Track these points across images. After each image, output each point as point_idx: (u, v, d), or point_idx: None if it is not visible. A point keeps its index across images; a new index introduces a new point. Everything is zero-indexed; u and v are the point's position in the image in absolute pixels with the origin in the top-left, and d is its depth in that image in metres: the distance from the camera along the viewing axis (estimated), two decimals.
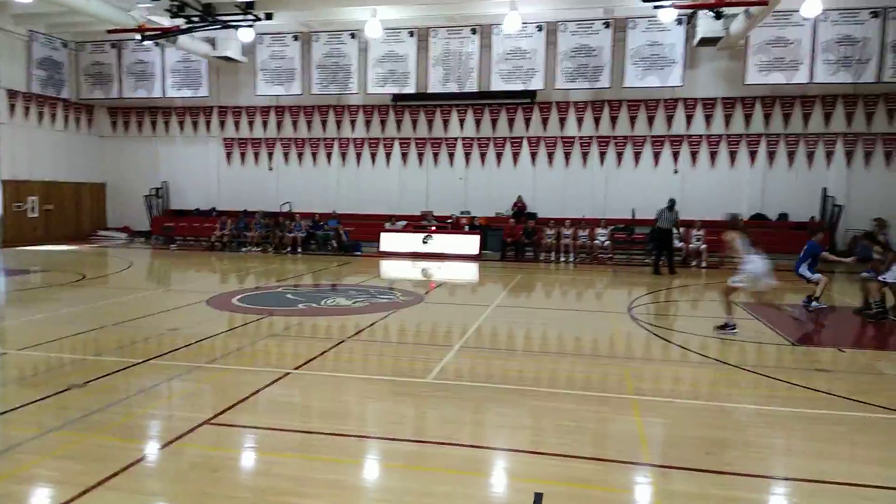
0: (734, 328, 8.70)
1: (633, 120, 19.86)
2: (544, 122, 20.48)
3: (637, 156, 19.93)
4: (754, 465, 4.52)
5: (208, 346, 7.74)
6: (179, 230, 22.08)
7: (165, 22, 17.58)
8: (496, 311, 10.47)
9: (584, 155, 20.31)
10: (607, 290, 13.97)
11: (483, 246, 18.82)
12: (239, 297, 11.37)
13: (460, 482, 4.18)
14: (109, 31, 18.20)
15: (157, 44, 19.09)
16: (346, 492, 4.03)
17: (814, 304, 10.47)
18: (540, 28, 19.17)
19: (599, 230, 18.57)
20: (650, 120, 19.76)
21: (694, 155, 19.59)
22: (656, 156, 19.82)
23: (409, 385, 6.28)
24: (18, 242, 20.31)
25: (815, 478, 4.29)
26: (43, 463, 4.29)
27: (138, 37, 17.82)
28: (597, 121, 20.12)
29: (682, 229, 17.35)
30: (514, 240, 18.69)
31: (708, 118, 19.42)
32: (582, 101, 20.10)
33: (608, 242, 18.43)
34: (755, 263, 8.57)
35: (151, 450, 4.62)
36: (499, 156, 20.94)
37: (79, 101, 23.22)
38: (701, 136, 19.50)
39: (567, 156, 20.42)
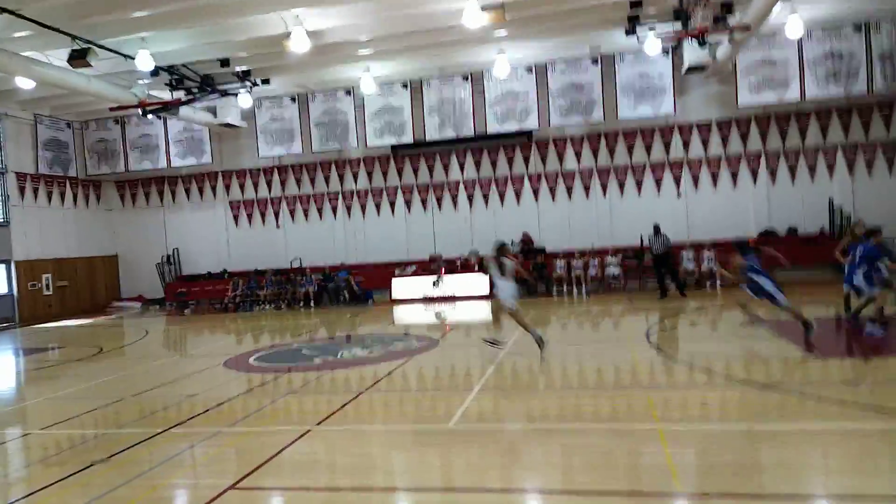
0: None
1: (630, 149, 20.06)
2: (543, 158, 20.73)
3: (639, 184, 20.06)
4: (790, 486, 4.42)
5: (228, 409, 7.72)
6: (193, 294, 22.23)
7: (165, 95, 18.10)
8: (514, 348, 10.41)
9: (586, 187, 20.46)
10: (623, 317, 13.88)
11: (494, 285, 18.78)
12: (255, 356, 11.37)
13: None
14: (112, 109, 18.75)
15: (159, 117, 19.63)
16: None
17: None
18: (530, 70, 19.60)
19: (609, 258, 18.57)
20: (648, 148, 19.96)
21: (696, 178, 19.69)
22: (658, 182, 19.94)
23: (432, 433, 6.22)
24: (35, 320, 20.49)
25: (855, 492, 4.19)
26: None
27: (140, 112, 18.34)
28: (595, 153, 20.33)
29: (689, 252, 17.36)
30: (522, 277, 18.65)
31: (705, 142, 19.59)
32: (578, 136, 20.37)
33: (618, 271, 18.41)
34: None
35: None
36: (501, 195, 21.13)
37: (86, 178, 23.74)
38: (700, 159, 19.63)
39: (569, 189, 20.58)
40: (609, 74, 19.16)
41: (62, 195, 22.74)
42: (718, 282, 16.99)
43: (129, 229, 24.60)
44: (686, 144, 19.71)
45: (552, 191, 20.72)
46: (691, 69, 17.43)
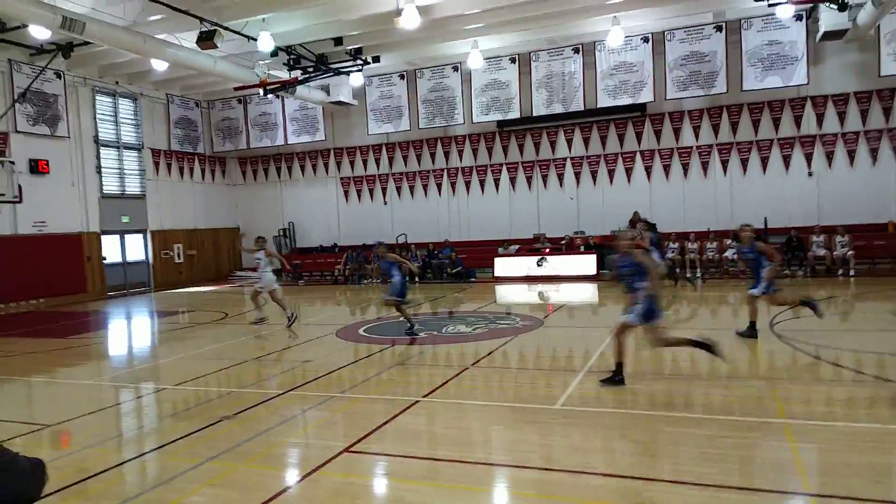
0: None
1: (756, 124, 18.68)
2: (657, 134, 19.77)
3: (764, 161, 18.67)
4: None
5: (340, 376, 8.06)
6: (306, 266, 23.37)
7: (284, 75, 18.94)
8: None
9: (704, 164, 19.33)
10: (742, 305, 13.05)
11: (600, 266, 18.32)
12: (364, 328, 11.78)
13: None
14: (236, 89, 19.92)
15: (277, 96, 20.60)
16: None
17: None
18: (646, 39, 18.66)
19: (728, 241, 17.52)
20: (776, 122, 18.49)
21: (829, 156, 18.05)
22: (786, 159, 18.46)
23: (535, 412, 6.17)
24: (166, 286, 22.41)
25: None
26: (201, 491, 4.62)
27: (261, 91, 19.32)
28: (715, 128, 19.13)
29: (820, 236, 16.01)
30: None
31: (841, 115, 17.86)
32: (697, 109, 19.22)
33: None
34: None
35: (297, 478, 4.84)
36: (610, 173, 20.43)
37: (212, 154, 25.46)
38: (835, 134, 17.95)
39: (685, 167, 19.54)
40: (734, 43, 17.87)
41: (191, 170, 24.53)
42: (852, 271, 15.58)
43: (249, 203, 26.18)
44: (819, 118, 18.08)
45: (666, 169, 19.77)
46: (828, 35, 15.94)
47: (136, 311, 17.33)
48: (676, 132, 19.57)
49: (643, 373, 7.65)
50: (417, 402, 6.65)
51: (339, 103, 21.28)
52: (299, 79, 18.94)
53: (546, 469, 4.83)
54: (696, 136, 19.35)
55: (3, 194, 16.99)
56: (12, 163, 17.41)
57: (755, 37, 17.63)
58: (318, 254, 23.77)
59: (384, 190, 23.66)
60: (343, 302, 17.34)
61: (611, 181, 20.44)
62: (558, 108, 19.98)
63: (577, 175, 20.84)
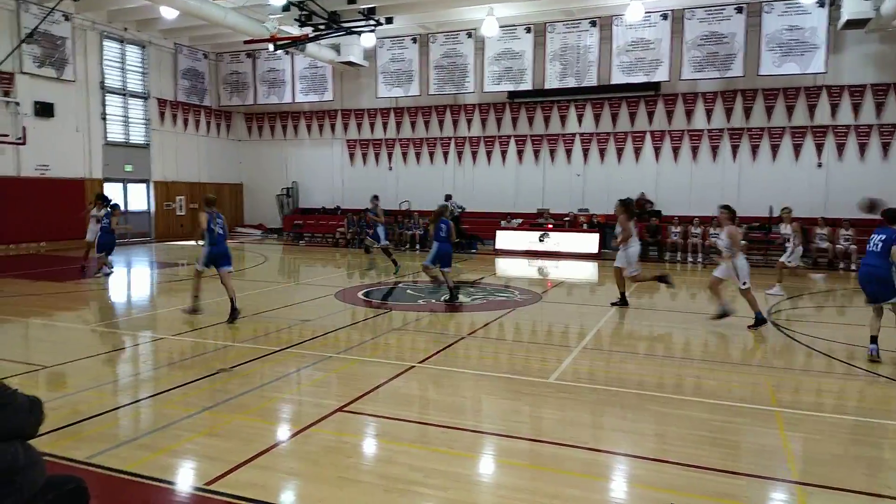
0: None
1: (769, 110, 18.47)
2: (669, 114, 19.56)
3: (774, 149, 18.51)
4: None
5: (337, 337, 8.11)
6: (307, 227, 23.37)
7: (295, 31, 18.63)
8: (618, 312, 10.13)
9: (714, 149, 19.17)
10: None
11: (603, 245, 18.31)
12: (363, 291, 11.82)
13: (584, 485, 4.07)
14: (246, 42, 19.60)
15: (287, 52, 20.30)
16: (471, 485, 4.06)
17: None
18: (665, 16, 18.33)
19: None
20: (789, 110, 18.28)
21: (840, 147, 17.88)
22: (797, 148, 18.30)
23: (528, 384, 6.22)
24: (168, 237, 22.43)
25: None
26: (197, 440, 4.68)
27: (271, 47, 19.02)
28: (728, 112, 18.91)
29: (823, 228, 15.97)
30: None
31: (856, 107, 17.65)
32: (711, 92, 18.98)
33: (743, 242, 17.26)
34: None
35: (291, 433, 4.90)
36: (619, 151, 20.27)
37: (219, 108, 25.21)
38: (848, 126, 17.76)
39: (694, 150, 19.38)
40: (754, 26, 17.56)
41: (196, 123, 24.33)
42: (853, 265, 15.55)
43: (254, 160, 26.03)
44: (834, 109, 17.86)
45: (675, 150, 19.61)
46: (850, 23, 15.68)
47: (137, 261, 17.36)
48: (689, 114, 19.36)
49: (637, 354, 7.70)
50: (412, 367, 6.70)
51: (350, 64, 21.01)
52: (310, 36, 18.63)
53: (535, 440, 4.90)
54: (709, 119, 19.15)
55: (6, 135, 16.89)
56: (17, 103, 17.26)
57: (776, 21, 17.32)
58: (321, 215, 23.73)
59: (390, 155, 23.51)
60: (343, 265, 17.36)
61: (619, 160, 20.29)
62: (571, 82, 19.72)
63: (586, 152, 20.68)
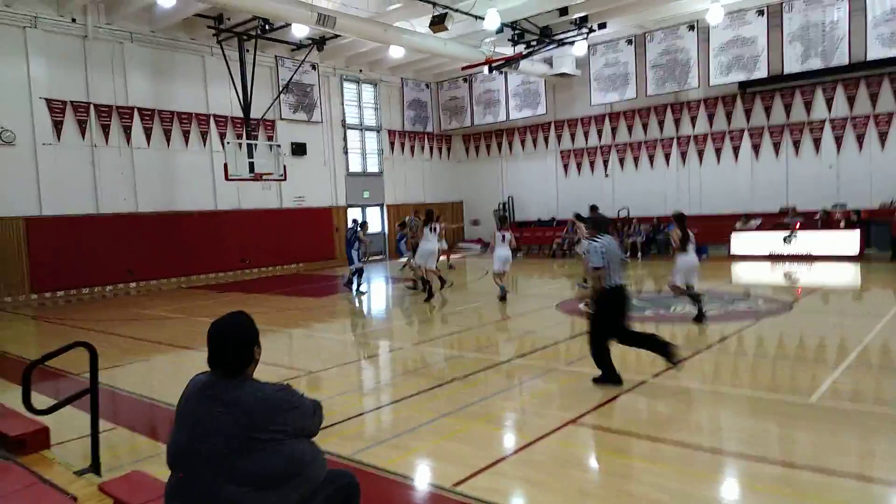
0: None
1: None
2: None
3: None
4: None
5: (562, 349, 8.02)
6: (524, 240, 23.68)
7: (508, 51, 19.16)
8: (893, 322, 8.55)
9: None
10: None
11: (866, 244, 15.71)
12: (583, 302, 11.56)
13: None
14: (463, 68, 20.68)
15: (501, 72, 20.94)
16: None
17: None
18: None
19: None
20: None
21: None
22: None
23: (781, 404, 5.49)
24: (399, 255, 24.33)
25: None
26: (441, 444, 4.93)
27: (486, 69, 19.79)
28: None
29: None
30: None
31: None
32: None
33: None
34: None
35: (526, 442, 4.90)
36: (882, 136, 17.30)
37: (440, 133, 26.87)
38: None
39: None
40: None
41: (421, 148, 26.21)
42: None
43: (472, 178, 27.22)
44: None
45: None
46: None
47: (375, 277, 19.12)
48: None
49: None
50: (646, 381, 6.33)
51: (562, 75, 20.97)
52: (523, 53, 19.02)
53: (786, 465, 4.28)
54: None
55: (271, 173, 19.82)
56: (279, 146, 20.19)
57: None
58: (536, 227, 23.93)
59: (605, 162, 22.89)
60: (561, 275, 17.23)
61: (882, 146, 17.31)
62: (816, 64, 17.34)
63: (838, 139, 18.00)
